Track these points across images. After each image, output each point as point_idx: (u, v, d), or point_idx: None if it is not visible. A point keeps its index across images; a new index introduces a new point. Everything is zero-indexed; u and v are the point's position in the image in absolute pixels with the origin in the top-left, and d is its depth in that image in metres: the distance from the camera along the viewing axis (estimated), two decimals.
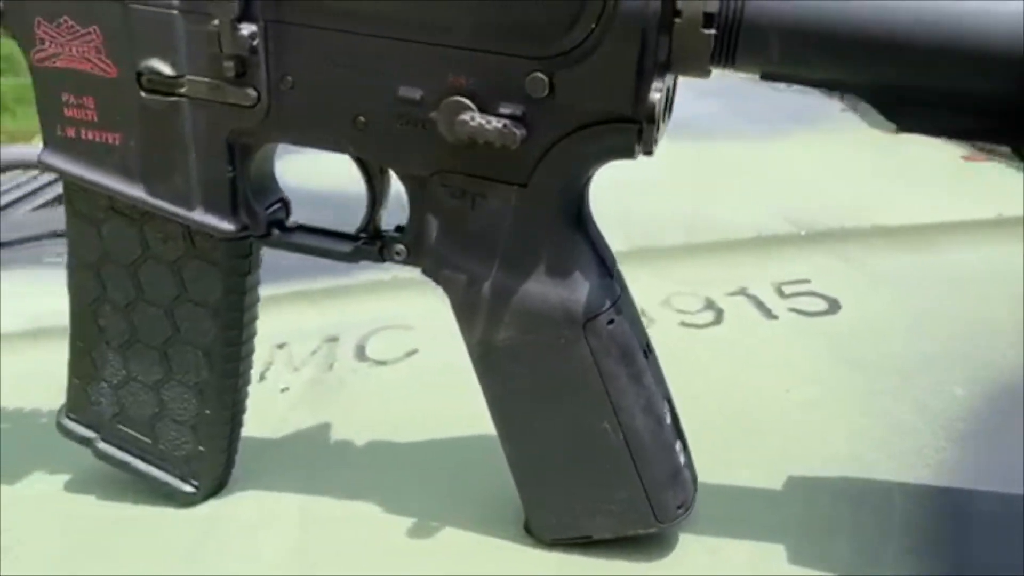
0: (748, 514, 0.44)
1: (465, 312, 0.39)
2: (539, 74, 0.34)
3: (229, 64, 0.36)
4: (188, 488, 0.48)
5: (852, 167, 0.97)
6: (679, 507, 0.40)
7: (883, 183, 0.90)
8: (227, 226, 0.40)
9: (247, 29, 0.35)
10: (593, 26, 0.32)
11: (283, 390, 0.60)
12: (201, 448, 0.47)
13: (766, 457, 0.48)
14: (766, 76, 0.33)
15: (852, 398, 0.54)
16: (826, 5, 0.30)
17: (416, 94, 0.36)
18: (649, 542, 0.42)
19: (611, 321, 0.38)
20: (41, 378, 0.63)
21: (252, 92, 0.37)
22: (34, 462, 0.52)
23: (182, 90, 0.38)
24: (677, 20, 0.31)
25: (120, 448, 0.48)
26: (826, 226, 0.78)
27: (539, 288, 0.37)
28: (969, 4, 0.29)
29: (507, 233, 0.37)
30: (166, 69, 0.38)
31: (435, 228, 0.38)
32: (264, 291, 0.45)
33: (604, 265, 0.38)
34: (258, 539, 0.45)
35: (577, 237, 0.37)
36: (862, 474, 0.46)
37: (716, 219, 0.81)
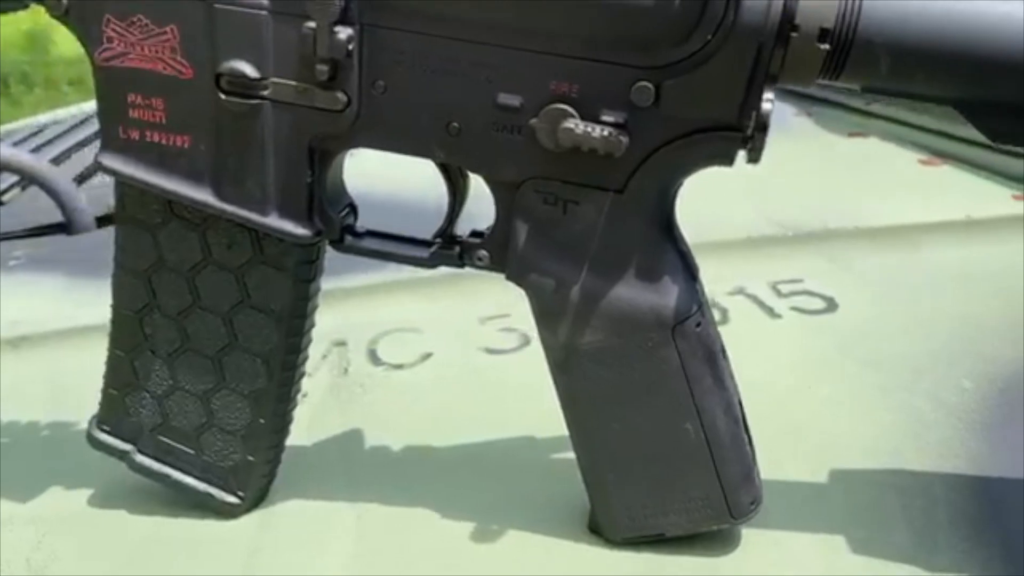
0: (802, 507, 0.45)
1: (550, 316, 0.39)
2: (646, 83, 0.34)
3: (322, 68, 0.36)
4: (233, 499, 0.47)
5: (818, 170, 1.01)
6: (751, 503, 0.41)
7: (852, 185, 0.94)
8: (302, 231, 0.39)
9: (344, 33, 0.35)
10: (709, 38, 0.33)
11: (303, 396, 0.59)
12: (251, 458, 0.46)
13: (806, 452, 0.50)
14: (867, 89, 0.34)
15: (871, 394, 0.56)
16: (938, 24, 0.32)
17: (516, 101, 0.36)
18: (715, 537, 0.43)
19: (699, 324, 0.39)
20: (30, 388, 0.61)
21: (342, 96, 0.37)
22: (46, 477, 0.50)
23: (265, 93, 0.37)
24: (794, 34, 0.32)
25: (159, 460, 0.47)
26: (810, 227, 0.81)
27: (629, 292, 0.38)
28: None
29: (599, 238, 0.38)
30: (250, 71, 0.37)
31: (524, 233, 0.38)
32: None
33: (690, 269, 0.39)
34: (316, 548, 0.45)
35: (666, 242, 0.38)
36: (901, 466, 0.48)
37: (704, 220, 0.83)
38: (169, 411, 0.46)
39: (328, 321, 0.69)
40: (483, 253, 0.40)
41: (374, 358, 0.64)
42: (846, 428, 0.52)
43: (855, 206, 0.85)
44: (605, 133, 0.34)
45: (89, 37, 0.38)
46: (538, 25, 0.34)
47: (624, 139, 0.35)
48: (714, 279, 0.71)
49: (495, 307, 0.71)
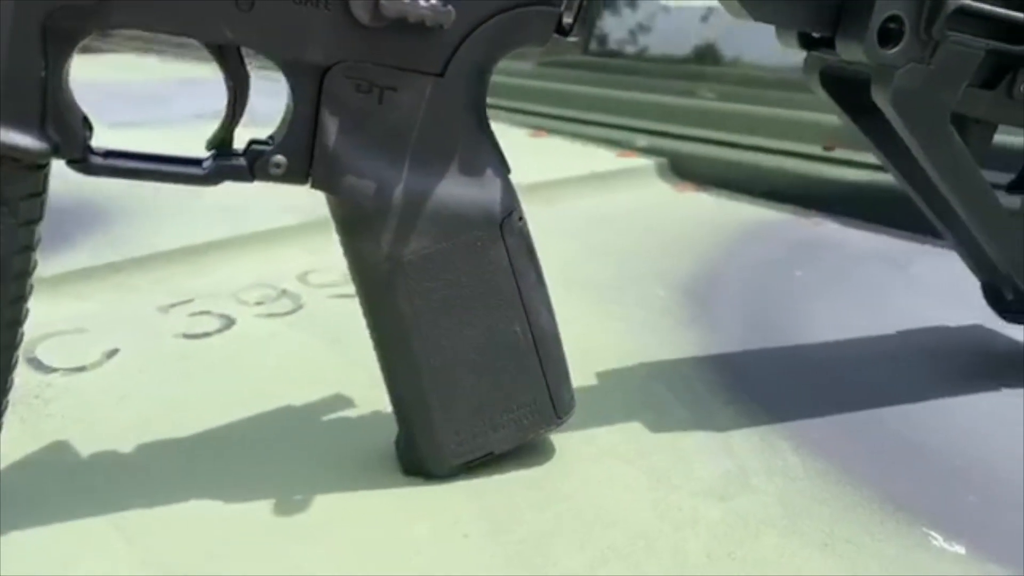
0: (591, 408, 0.46)
1: (370, 224, 0.35)
2: None
3: None
4: None
5: None
6: (570, 398, 0.41)
7: None
8: (36, 145, 0.30)
9: None
10: None
11: None
12: None
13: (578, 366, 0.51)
14: None
15: (594, 310, 0.60)
16: None
17: None
18: (536, 450, 0.42)
19: (520, 218, 0.37)
20: None
21: None
22: None
23: None
24: None
25: None
26: None
27: (454, 190, 0.35)
28: None
29: (418, 130, 0.34)
30: None
31: (334, 129, 0.33)
32: None
33: (505, 163, 0.37)
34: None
35: (483, 133, 0.36)
36: (649, 359, 0.52)
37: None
38: None
39: None
40: (279, 159, 0.34)
41: (39, 365, 0.51)
42: (590, 338, 0.55)
43: None
44: (433, 5, 0.32)
45: None
46: None
47: (451, 9, 0.32)
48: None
49: (172, 295, 0.61)
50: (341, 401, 0.47)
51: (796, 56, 0.45)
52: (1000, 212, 0.45)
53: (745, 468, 0.42)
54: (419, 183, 0.35)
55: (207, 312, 0.59)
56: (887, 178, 0.84)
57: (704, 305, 0.62)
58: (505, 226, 0.37)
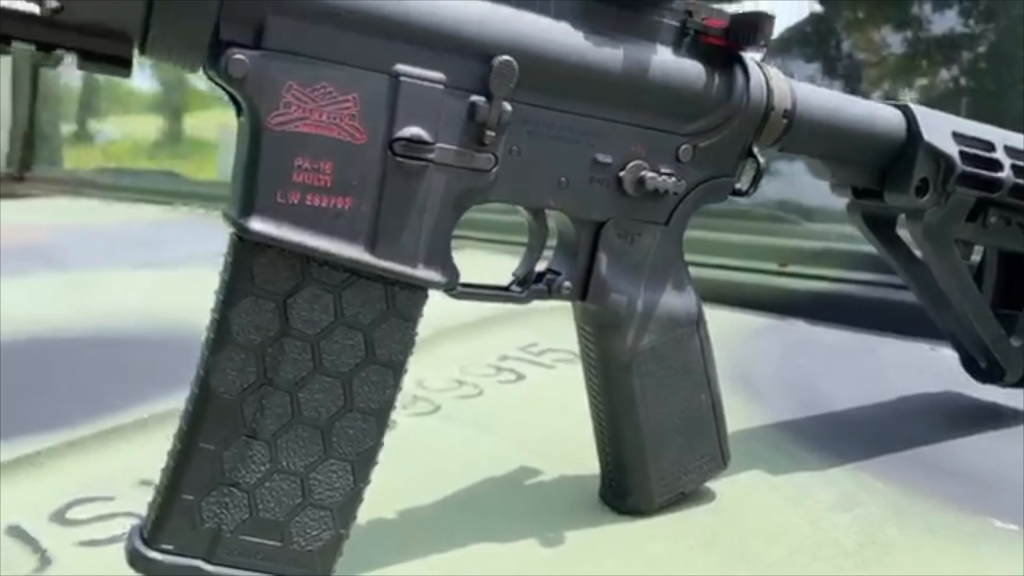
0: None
1: (620, 327, 0.50)
2: (688, 145, 0.50)
3: (491, 134, 0.43)
4: None
5: None
6: (729, 451, 0.57)
7: None
8: (442, 279, 0.44)
9: (508, 106, 0.43)
10: (730, 115, 0.50)
11: None
12: (342, 531, 0.45)
13: None
14: (782, 149, 0.55)
15: None
16: (829, 112, 0.54)
17: (608, 159, 0.48)
18: (705, 490, 0.57)
19: (704, 317, 0.54)
20: None
21: (490, 158, 0.44)
22: None
23: (431, 156, 0.42)
24: (772, 112, 0.51)
25: (235, 567, 0.43)
26: None
27: (670, 300, 0.52)
28: None
29: (651, 261, 0.51)
30: (425, 136, 0.42)
31: (604, 262, 0.49)
32: None
33: (691, 279, 0.54)
34: None
35: (683, 260, 0.53)
36: (739, 427, 0.69)
37: None
38: (260, 501, 0.43)
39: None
40: (568, 284, 0.49)
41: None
42: None
43: None
44: (672, 181, 0.49)
45: (261, 102, 0.38)
46: (628, 107, 0.48)
47: (682, 183, 0.49)
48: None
49: None
50: (533, 470, 0.61)
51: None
52: (982, 303, 0.65)
53: (848, 491, 0.58)
54: (651, 296, 0.51)
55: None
56: (832, 287, 1.07)
57: (751, 387, 0.79)
58: (699, 323, 0.53)
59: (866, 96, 0.64)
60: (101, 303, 1.00)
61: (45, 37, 0.34)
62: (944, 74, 1.38)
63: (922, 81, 1.40)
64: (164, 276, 1.16)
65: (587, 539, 0.52)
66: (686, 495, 0.55)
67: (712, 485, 0.58)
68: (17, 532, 0.53)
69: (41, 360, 0.81)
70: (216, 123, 2.46)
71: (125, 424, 0.66)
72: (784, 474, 0.61)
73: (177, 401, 0.69)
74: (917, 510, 0.56)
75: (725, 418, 0.56)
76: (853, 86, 1.43)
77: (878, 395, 0.78)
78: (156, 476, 0.57)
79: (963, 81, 1.34)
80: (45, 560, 0.50)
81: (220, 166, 2.35)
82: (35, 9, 0.34)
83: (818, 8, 1.57)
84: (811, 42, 1.50)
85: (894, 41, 1.42)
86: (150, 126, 2.79)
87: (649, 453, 0.53)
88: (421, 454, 0.63)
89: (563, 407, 0.70)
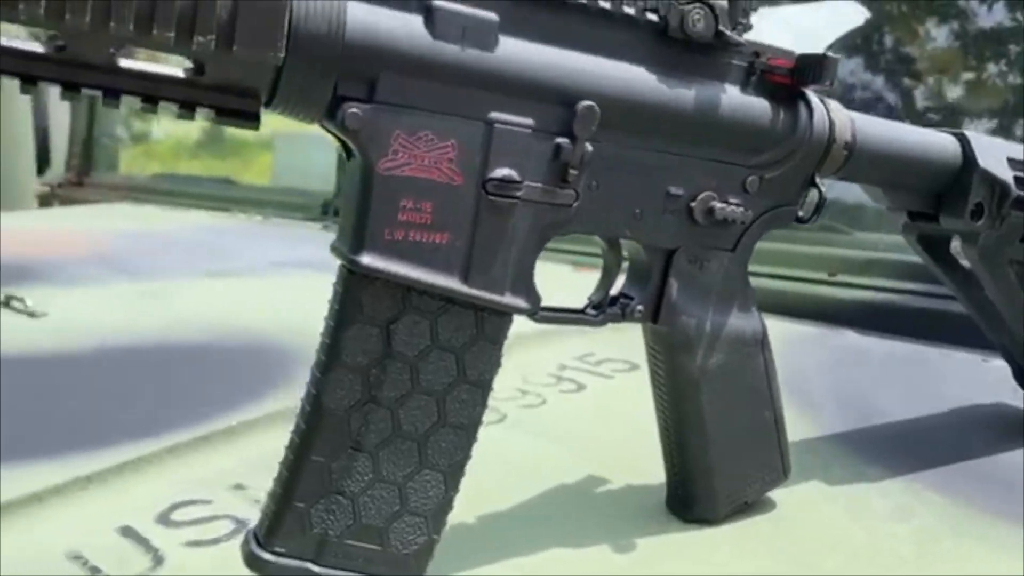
0: None
1: (690, 347, 0.54)
2: (755, 176, 0.53)
3: (574, 172, 0.47)
4: None
5: None
6: (790, 463, 0.60)
7: None
8: (527, 305, 0.48)
9: (590, 146, 0.47)
10: (795, 148, 0.53)
11: None
12: (435, 536, 0.49)
13: None
14: (842, 178, 0.58)
15: None
16: (888, 141, 0.57)
17: (680, 191, 0.51)
18: (765, 500, 0.60)
19: (767, 337, 0.57)
20: None
21: (573, 194, 0.47)
22: None
23: (519, 193, 0.46)
24: (834, 144, 0.54)
25: (340, 568, 0.47)
26: None
27: (736, 321, 0.55)
28: None
29: (718, 285, 0.54)
30: (514, 176, 0.45)
31: (675, 287, 0.53)
32: None
33: (755, 301, 0.57)
34: None
35: (747, 282, 0.56)
36: (794, 438, 0.72)
37: None
38: (363, 509, 0.47)
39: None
40: (640, 307, 0.53)
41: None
42: None
43: None
44: (740, 211, 0.52)
45: (372, 150, 0.42)
46: (700, 143, 0.51)
47: (749, 212, 0.53)
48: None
49: None
50: (599, 478, 0.64)
51: None
52: None
53: (903, 502, 0.61)
54: (719, 318, 0.54)
55: None
56: (882, 297, 1.09)
57: (803, 397, 0.82)
58: (764, 342, 0.56)
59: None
60: (177, 312, 1.06)
61: (187, 96, 0.39)
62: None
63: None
64: (233, 285, 1.21)
65: (657, 546, 0.55)
66: (749, 505, 0.59)
67: (773, 495, 0.61)
68: (129, 532, 0.57)
69: (130, 369, 0.87)
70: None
71: (216, 431, 0.71)
72: (840, 485, 0.64)
73: (260, 409, 0.76)
74: (972, 522, 0.58)
75: (787, 432, 0.59)
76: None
77: (930, 406, 0.80)
78: (248, 480, 0.64)
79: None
80: (157, 559, 0.54)
81: (275, 172, 2.43)
82: (179, 73, 0.38)
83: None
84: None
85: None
86: (192, 126, 2.87)
87: (715, 466, 0.56)
88: (493, 462, 0.66)
89: (624, 417, 0.74)
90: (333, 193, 1.76)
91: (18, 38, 0.35)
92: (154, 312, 1.06)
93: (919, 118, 1.49)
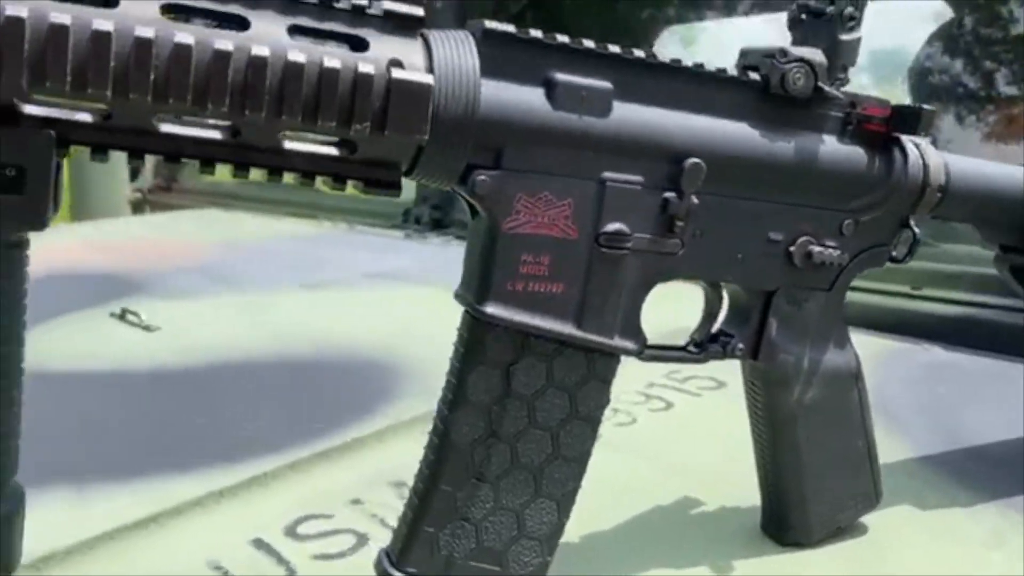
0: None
1: (788, 383, 0.57)
2: (851, 220, 0.56)
3: (680, 224, 0.50)
4: None
5: None
6: (881, 489, 0.62)
7: None
8: (635, 347, 0.51)
9: (695, 198, 0.50)
10: (889, 193, 0.56)
11: None
12: (548, 558, 0.53)
13: None
14: (935, 216, 0.60)
15: None
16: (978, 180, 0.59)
17: (779, 236, 0.54)
18: (857, 525, 0.63)
19: (861, 371, 0.59)
20: None
21: (678, 242, 0.51)
22: None
23: (629, 244, 0.49)
24: (928, 188, 0.57)
25: None
26: None
27: (832, 357, 0.58)
28: None
29: (816, 323, 0.57)
30: (625, 229, 0.49)
31: (775, 326, 0.56)
32: None
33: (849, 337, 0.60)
34: None
35: (842, 320, 0.59)
36: (884, 460, 0.74)
37: None
38: (485, 533, 0.51)
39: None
40: (741, 346, 0.56)
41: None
42: None
43: None
44: (837, 253, 0.55)
45: (498, 212, 0.46)
46: (798, 191, 0.54)
47: (845, 255, 0.55)
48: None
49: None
50: (694, 500, 0.68)
51: None
52: None
53: (997, 527, 0.63)
54: (815, 355, 0.57)
55: None
56: (968, 311, 1.09)
57: (890, 416, 0.83)
58: (858, 376, 0.59)
59: None
60: (279, 326, 1.11)
61: (340, 171, 0.43)
62: None
63: None
64: (328, 297, 1.27)
65: (755, 568, 0.58)
66: (842, 529, 0.61)
67: (865, 519, 0.63)
68: (261, 544, 0.63)
69: (245, 384, 0.93)
70: None
71: (332, 448, 0.76)
72: (932, 509, 0.66)
73: (371, 426, 0.81)
74: None
75: (879, 460, 0.62)
76: None
77: (1021, 426, 0.81)
78: (365, 495, 0.69)
79: None
80: (291, 571, 0.59)
81: None
82: (334, 152, 0.43)
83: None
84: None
85: None
86: None
87: (810, 493, 0.59)
88: (591, 482, 0.70)
89: (713, 437, 0.77)
90: (414, 202, 1.82)
91: (197, 126, 0.40)
92: (258, 326, 1.12)
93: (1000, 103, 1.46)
